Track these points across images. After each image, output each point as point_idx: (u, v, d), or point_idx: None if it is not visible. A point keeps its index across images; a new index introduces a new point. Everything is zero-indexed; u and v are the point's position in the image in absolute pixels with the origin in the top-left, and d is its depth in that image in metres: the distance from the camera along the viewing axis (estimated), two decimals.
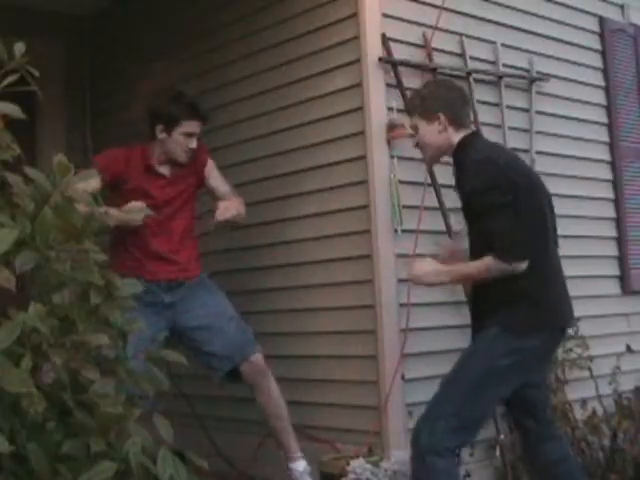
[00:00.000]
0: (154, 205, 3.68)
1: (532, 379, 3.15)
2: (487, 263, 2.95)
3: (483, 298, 3.11)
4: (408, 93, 3.99)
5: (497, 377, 2.97)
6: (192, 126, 3.83)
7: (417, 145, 3.28)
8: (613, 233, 5.11)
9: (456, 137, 3.15)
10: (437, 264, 3.11)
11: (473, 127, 3.25)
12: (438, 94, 3.18)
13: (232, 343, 3.79)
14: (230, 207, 3.74)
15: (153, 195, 3.83)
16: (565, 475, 3.22)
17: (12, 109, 1.92)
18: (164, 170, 3.93)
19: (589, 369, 4.52)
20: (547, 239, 3.09)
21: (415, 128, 3.24)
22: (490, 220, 2.94)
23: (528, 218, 2.98)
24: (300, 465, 3.76)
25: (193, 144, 3.84)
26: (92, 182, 3.55)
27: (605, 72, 5.21)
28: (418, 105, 3.20)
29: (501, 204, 2.93)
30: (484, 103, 4.41)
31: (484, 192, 2.97)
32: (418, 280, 3.17)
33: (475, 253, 3.04)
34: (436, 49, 4.19)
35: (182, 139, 3.82)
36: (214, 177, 3.98)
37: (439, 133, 3.13)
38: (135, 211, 3.23)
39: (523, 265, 2.92)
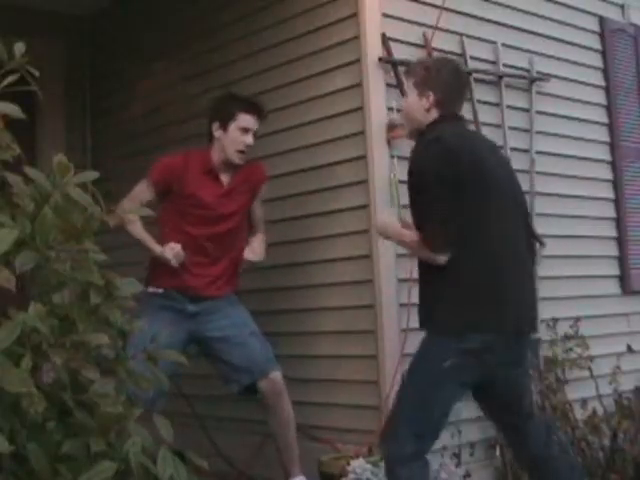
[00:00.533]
0: (207, 216, 3.78)
1: (497, 379, 3.01)
2: (416, 240, 2.93)
3: (421, 298, 3.04)
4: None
5: (443, 378, 2.90)
6: (248, 120, 3.80)
7: (400, 110, 3.29)
8: (613, 233, 5.11)
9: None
10: (393, 220, 3.16)
11: (459, 117, 3.13)
12: (439, 73, 3.10)
13: (252, 357, 3.75)
14: (257, 252, 3.82)
15: (208, 204, 3.79)
16: (554, 473, 3.13)
17: (12, 109, 1.92)
18: (224, 178, 3.88)
19: (589, 369, 4.52)
20: (490, 237, 2.91)
21: (405, 93, 3.21)
22: (423, 204, 2.90)
23: (468, 211, 2.87)
24: None
25: (249, 139, 3.80)
26: (145, 194, 3.79)
27: (605, 72, 5.22)
28: (418, 74, 3.13)
29: (437, 191, 2.86)
30: (484, 103, 4.41)
31: (422, 173, 2.92)
32: (378, 229, 3.23)
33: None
34: (436, 49, 4.19)
35: (238, 134, 3.78)
36: (258, 199, 4.00)
37: (424, 110, 3.07)
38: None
39: (444, 258, 2.85)
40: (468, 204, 2.88)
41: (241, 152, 3.81)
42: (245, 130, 3.80)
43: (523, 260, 3.03)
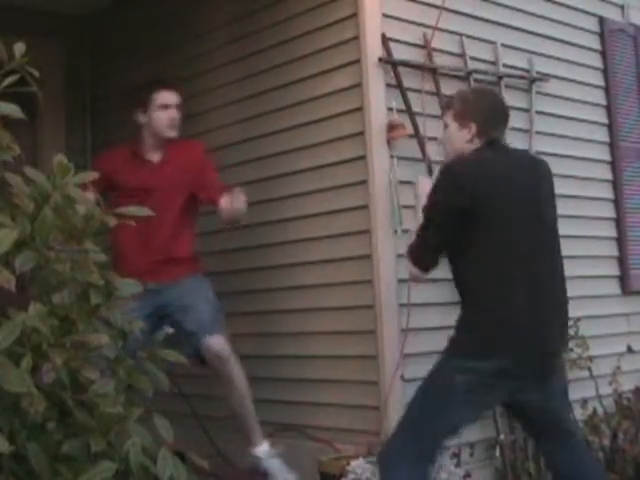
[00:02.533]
0: (134, 196, 3.76)
1: (527, 402, 3.02)
2: (408, 246, 3.11)
3: None
4: (408, 93, 4.01)
5: (450, 395, 2.90)
6: (165, 97, 4.00)
7: (440, 141, 3.34)
8: (613, 233, 5.11)
9: None
10: None
11: (498, 144, 3.16)
12: (479, 104, 3.16)
13: (200, 319, 3.82)
14: (233, 200, 3.76)
15: (135, 186, 3.90)
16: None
17: (12, 109, 1.92)
18: (151, 156, 4.05)
19: (589, 369, 4.52)
20: (505, 261, 2.94)
21: (445, 125, 3.23)
22: (423, 224, 3.06)
23: (481, 238, 2.93)
24: (261, 449, 3.79)
25: (173, 113, 4.00)
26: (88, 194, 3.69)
27: (605, 72, 5.21)
28: (458, 106, 3.18)
29: (436, 217, 3.00)
30: None
31: (429, 199, 3.04)
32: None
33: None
34: (436, 49, 4.19)
35: (161, 113, 3.99)
36: (204, 176, 4.00)
37: (466, 142, 3.11)
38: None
39: (422, 275, 3.09)
40: (480, 231, 2.94)
41: (170, 126, 4.01)
42: (165, 107, 4.00)
43: (545, 281, 3.00)
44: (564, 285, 3.10)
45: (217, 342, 3.79)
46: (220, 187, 3.94)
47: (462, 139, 3.12)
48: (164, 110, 4.00)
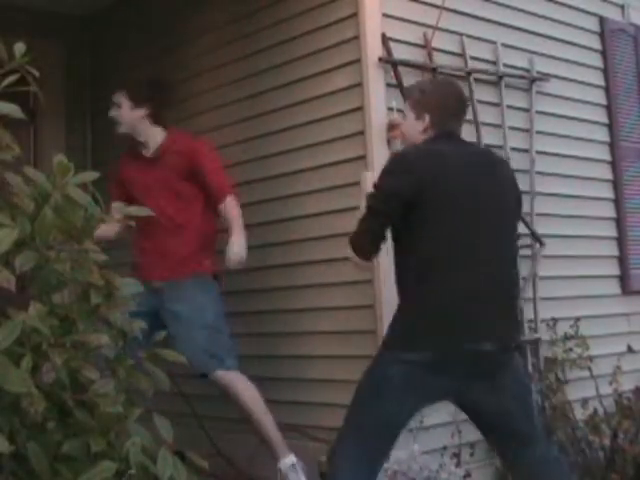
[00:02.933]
0: (139, 193, 3.97)
1: (477, 404, 2.91)
2: (349, 236, 3.02)
3: None
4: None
5: (386, 389, 2.81)
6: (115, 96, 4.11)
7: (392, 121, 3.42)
8: (613, 233, 5.11)
9: None
10: None
11: (451, 135, 3.06)
12: (436, 96, 3.10)
13: (194, 354, 3.67)
14: (238, 251, 3.74)
15: (133, 178, 4.02)
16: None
17: (12, 109, 1.92)
18: (144, 152, 4.10)
19: (589, 369, 4.52)
20: (446, 251, 2.83)
21: (404, 114, 3.21)
22: (366, 210, 2.96)
23: (420, 228, 2.84)
24: (284, 462, 3.76)
25: (109, 112, 4.09)
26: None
27: (605, 72, 5.22)
28: (415, 97, 3.14)
29: (379, 204, 2.91)
30: (484, 103, 4.41)
31: (376, 185, 2.95)
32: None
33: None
34: (436, 49, 4.19)
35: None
36: (203, 171, 3.96)
37: (419, 133, 3.06)
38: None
39: (361, 261, 3.01)
40: (420, 220, 2.84)
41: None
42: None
43: (489, 277, 2.86)
44: (514, 282, 3.00)
45: (222, 379, 3.80)
46: (218, 188, 3.93)
47: (416, 129, 3.07)
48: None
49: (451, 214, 2.84)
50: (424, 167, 2.88)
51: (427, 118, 3.04)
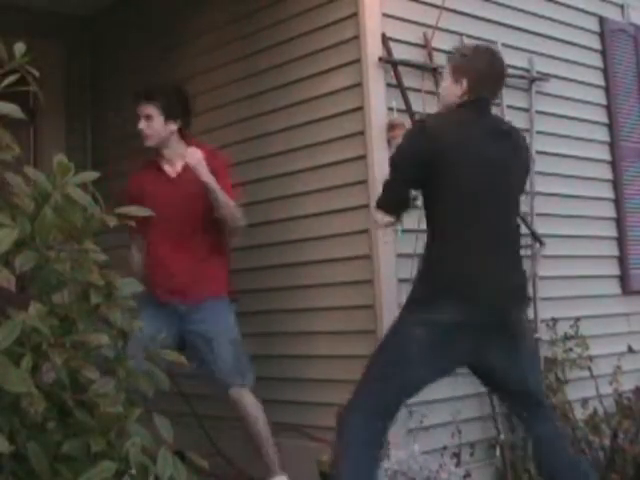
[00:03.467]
0: (160, 208, 3.62)
1: (492, 364, 3.04)
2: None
3: None
4: (408, 93, 4.01)
5: (411, 348, 2.92)
6: (137, 108, 3.88)
7: (439, 93, 3.43)
8: (613, 233, 5.11)
9: None
10: None
11: (482, 104, 3.18)
12: (475, 62, 3.18)
13: (220, 369, 3.80)
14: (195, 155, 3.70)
15: (153, 192, 3.80)
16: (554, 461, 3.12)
17: (12, 109, 1.92)
18: (167, 168, 3.94)
19: (589, 369, 4.52)
20: (461, 217, 3.02)
21: (444, 78, 3.29)
22: (389, 174, 3.15)
23: (440, 193, 3.03)
24: None
25: (140, 124, 3.87)
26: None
27: (605, 72, 5.21)
28: (454, 61, 3.23)
29: (402, 167, 3.08)
30: None
31: (397, 149, 3.17)
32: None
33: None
34: (436, 49, 4.19)
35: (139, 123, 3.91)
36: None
37: (456, 96, 3.15)
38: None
39: (380, 217, 3.16)
40: (440, 187, 3.02)
41: (143, 137, 3.92)
42: (138, 117, 3.89)
43: (501, 244, 3.08)
44: (518, 236, 3.21)
45: (236, 395, 3.79)
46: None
47: (454, 94, 3.16)
48: (140, 121, 3.90)
49: (465, 179, 3.02)
50: (441, 133, 3.05)
51: (465, 83, 3.13)
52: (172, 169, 3.94)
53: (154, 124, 3.85)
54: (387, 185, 3.14)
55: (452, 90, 3.17)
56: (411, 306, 3.05)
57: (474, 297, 2.96)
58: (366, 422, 2.93)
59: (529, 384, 3.11)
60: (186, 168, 3.80)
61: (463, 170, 3.01)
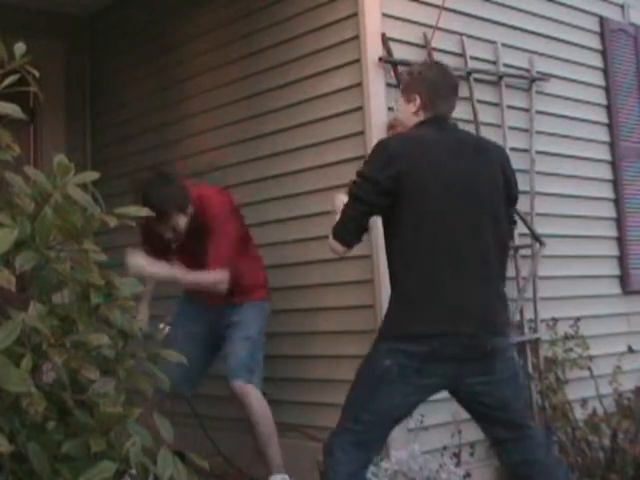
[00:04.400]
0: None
1: (470, 390, 2.90)
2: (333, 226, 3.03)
3: None
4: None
5: (384, 379, 2.81)
6: (156, 227, 3.80)
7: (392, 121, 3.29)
8: (613, 233, 5.11)
9: None
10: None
11: (442, 119, 3.04)
12: (423, 76, 3.06)
13: (230, 361, 3.88)
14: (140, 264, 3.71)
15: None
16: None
17: (12, 109, 1.92)
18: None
19: (589, 369, 4.52)
20: (428, 243, 2.85)
21: (397, 102, 3.23)
22: (349, 200, 2.97)
23: (405, 218, 2.86)
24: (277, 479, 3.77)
25: (165, 234, 3.82)
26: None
27: (605, 72, 5.22)
28: (405, 80, 3.14)
29: (361, 192, 2.91)
30: (484, 103, 4.41)
31: (358, 173, 2.95)
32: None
33: None
34: (436, 49, 4.19)
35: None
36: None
37: (412, 114, 3.03)
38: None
39: (338, 246, 3.03)
40: (404, 211, 2.87)
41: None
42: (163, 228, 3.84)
43: (473, 266, 2.88)
44: (500, 272, 2.98)
45: (241, 389, 3.81)
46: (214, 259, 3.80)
47: (408, 113, 3.05)
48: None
49: (430, 201, 2.85)
50: (403, 156, 2.88)
51: (417, 99, 3.01)
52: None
53: (180, 225, 3.81)
54: (348, 216, 2.96)
55: (407, 110, 3.04)
56: (383, 336, 2.90)
57: (443, 328, 2.81)
58: (350, 460, 2.86)
59: (510, 405, 2.94)
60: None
61: (428, 192, 2.85)
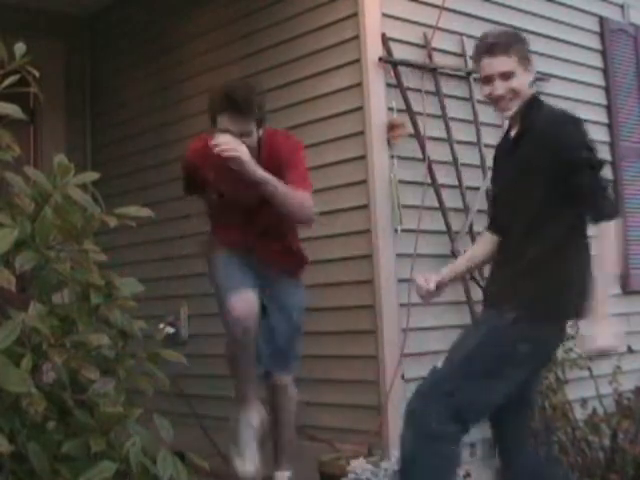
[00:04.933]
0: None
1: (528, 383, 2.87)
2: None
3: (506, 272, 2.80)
4: (408, 93, 4.01)
5: (511, 365, 2.71)
6: (224, 122, 3.18)
7: (497, 94, 2.81)
8: None
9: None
10: None
11: None
12: (524, 42, 2.82)
13: (281, 348, 3.51)
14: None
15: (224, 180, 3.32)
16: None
17: (13, 109, 1.92)
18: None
19: (589, 369, 4.52)
20: (583, 227, 2.78)
21: (507, 73, 2.76)
22: (582, 176, 2.71)
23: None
24: (285, 475, 3.62)
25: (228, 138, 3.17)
26: None
27: (605, 72, 5.22)
28: (519, 47, 2.79)
29: (595, 160, 2.78)
30: (484, 103, 4.39)
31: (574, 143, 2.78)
32: None
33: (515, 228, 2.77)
34: (436, 49, 4.19)
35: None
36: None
37: (529, 86, 2.80)
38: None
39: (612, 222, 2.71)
40: (570, 195, 2.74)
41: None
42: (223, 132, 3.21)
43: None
44: None
45: (287, 380, 3.56)
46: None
47: (527, 82, 2.80)
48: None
49: None
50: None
51: (531, 67, 2.83)
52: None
53: (252, 139, 3.25)
54: (607, 186, 2.77)
55: (527, 79, 2.79)
56: (521, 320, 2.70)
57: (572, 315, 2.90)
58: (440, 428, 2.68)
59: (532, 402, 3.04)
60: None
61: None
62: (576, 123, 2.85)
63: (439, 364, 2.77)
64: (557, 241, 2.73)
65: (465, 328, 3.08)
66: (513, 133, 2.87)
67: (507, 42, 2.79)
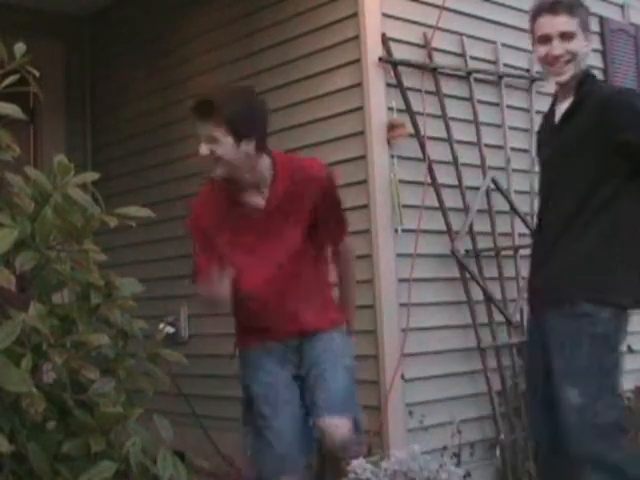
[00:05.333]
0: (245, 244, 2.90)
1: None
2: None
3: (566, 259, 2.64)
4: (408, 92, 4.01)
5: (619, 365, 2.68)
6: (202, 128, 2.82)
7: (554, 54, 2.70)
8: None
9: None
10: None
11: None
12: (588, 9, 2.73)
13: (332, 394, 2.98)
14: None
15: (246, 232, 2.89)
16: None
17: (13, 109, 1.92)
18: (249, 198, 2.89)
19: None
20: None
21: (569, 34, 2.66)
22: None
23: None
24: None
25: (201, 149, 2.84)
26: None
27: (605, 72, 5.21)
28: (582, 11, 2.69)
29: None
30: (484, 103, 4.41)
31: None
32: None
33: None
34: (436, 49, 4.19)
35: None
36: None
37: (586, 57, 2.72)
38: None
39: None
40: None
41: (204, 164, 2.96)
42: (204, 140, 2.85)
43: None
44: None
45: (340, 426, 2.96)
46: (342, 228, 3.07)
47: (588, 51, 2.75)
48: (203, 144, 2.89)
49: None
50: None
51: (591, 37, 2.76)
52: (255, 194, 2.89)
53: (223, 149, 2.81)
54: None
55: (588, 48, 2.72)
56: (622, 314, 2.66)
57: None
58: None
59: None
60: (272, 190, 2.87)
61: None
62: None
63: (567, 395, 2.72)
64: (619, 218, 2.61)
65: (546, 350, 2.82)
66: (563, 106, 2.76)
67: (571, 3, 2.68)
